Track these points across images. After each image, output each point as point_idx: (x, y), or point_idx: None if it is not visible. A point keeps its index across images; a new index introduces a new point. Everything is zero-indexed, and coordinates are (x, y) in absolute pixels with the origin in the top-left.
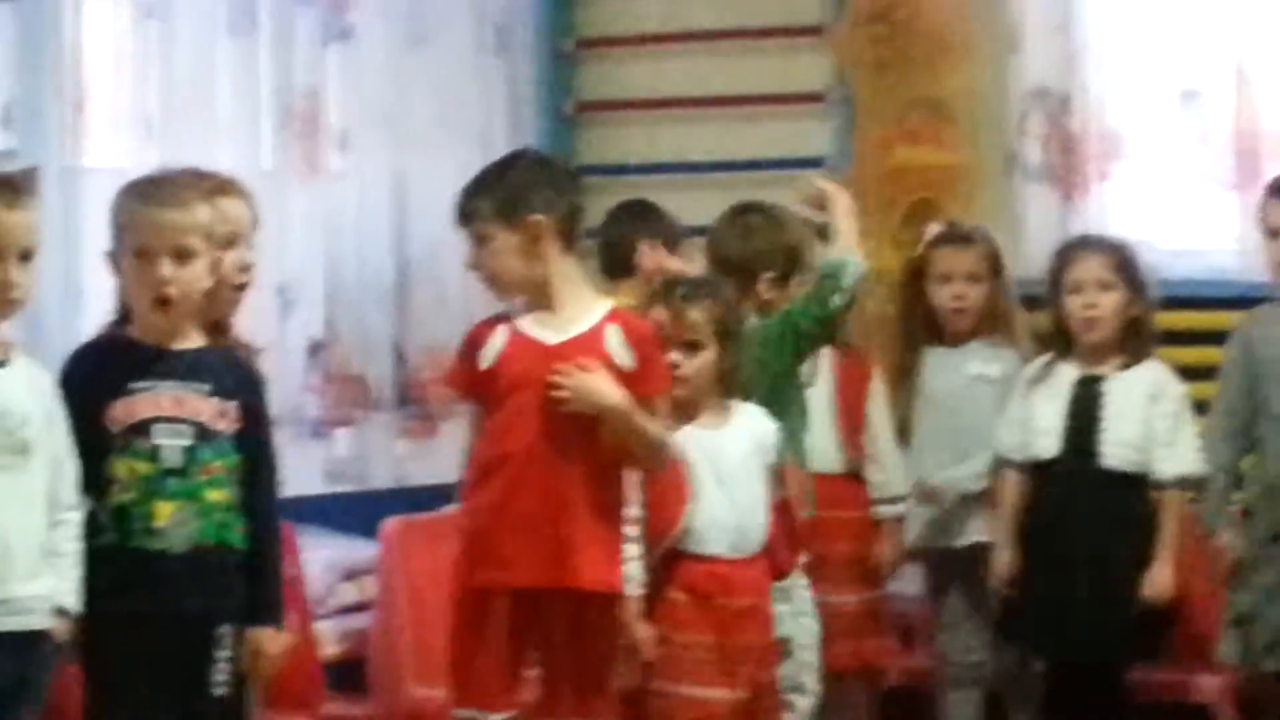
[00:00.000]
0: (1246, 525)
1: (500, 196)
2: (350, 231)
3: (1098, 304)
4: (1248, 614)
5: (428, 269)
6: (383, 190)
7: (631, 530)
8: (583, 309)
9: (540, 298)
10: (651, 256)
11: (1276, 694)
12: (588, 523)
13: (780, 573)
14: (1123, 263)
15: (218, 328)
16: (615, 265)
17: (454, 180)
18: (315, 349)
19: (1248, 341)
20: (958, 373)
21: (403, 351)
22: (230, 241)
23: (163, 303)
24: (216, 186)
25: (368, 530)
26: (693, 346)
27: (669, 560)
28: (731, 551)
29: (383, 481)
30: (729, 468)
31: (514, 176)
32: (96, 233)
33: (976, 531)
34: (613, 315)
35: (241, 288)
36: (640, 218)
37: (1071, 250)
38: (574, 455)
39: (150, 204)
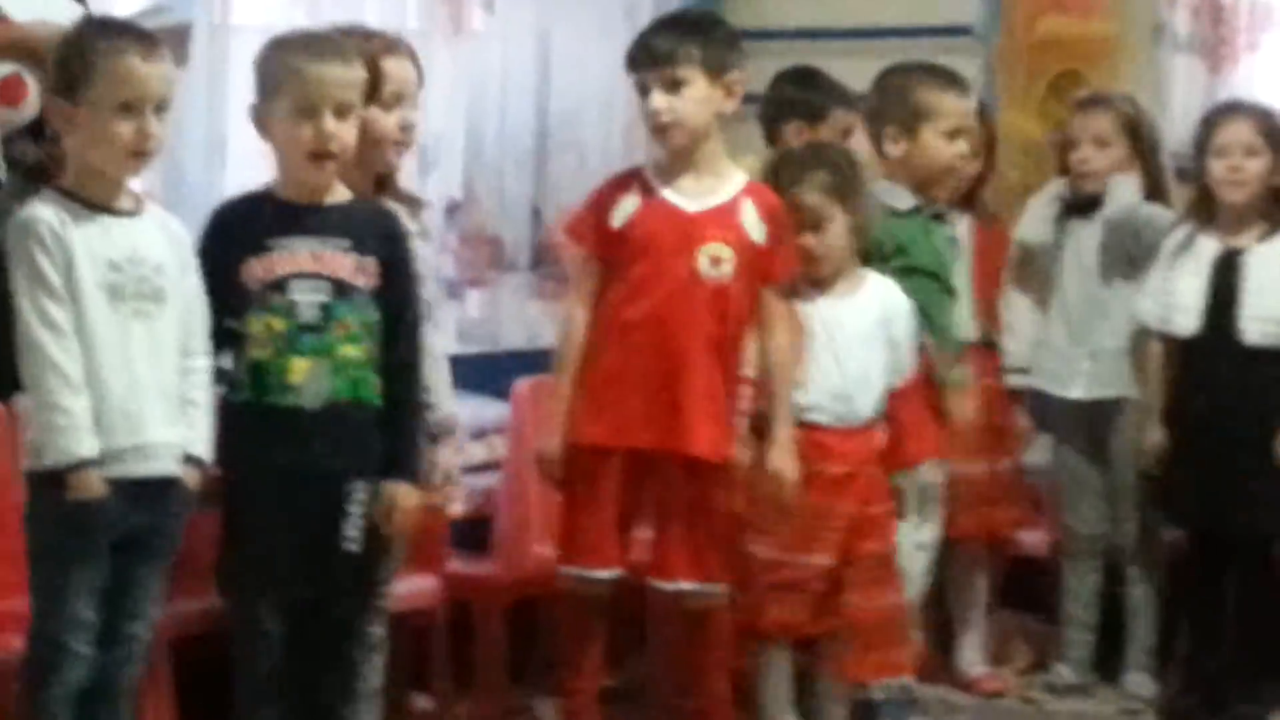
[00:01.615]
0: None
1: (712, 47)
2: (492, 92)
3: (1242, 168)
4: None
5: (568, 131)
6: (526, 51)
7: (748, 391)
8: (721, 179)
9: (692, 157)
10: (795, 141)
11: None
12: (706, 391)
13: (908, 463)
14: (1271, 129)
15: (382, 183)
16: (769, 134)
17: (596, 42)
18: (453, 209)
19: None
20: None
21: (540, 213)
22: (396, 100)
23: (321, 157)
24: (384, 45)
25: (498, 390)
26: (817, 226)
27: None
28: (836, 421)
29: (514, 342)
30: (846, 338)
31: (722, 32)
32: (243, 91)
33: (1097, 385)
34: (749, 189)
35: (402, 146)
36: (798, 88)
37: (1219, 114)
38: (698, 325)
39: (315, 59)
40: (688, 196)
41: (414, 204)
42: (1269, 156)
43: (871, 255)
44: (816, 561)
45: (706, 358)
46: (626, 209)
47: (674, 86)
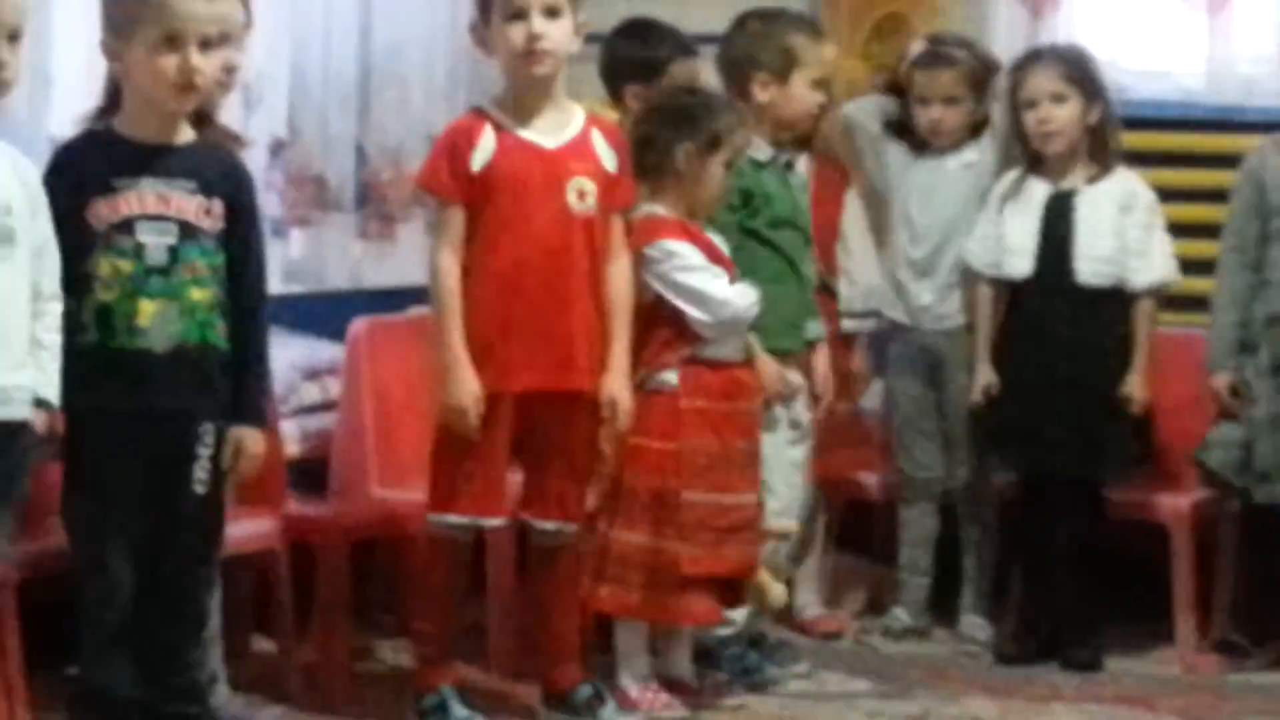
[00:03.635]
0: (1248, 357)
1: None
2: (315, 29)
3: (1052, 118)
4: (1243, 441)
5: (391, 70)
6: None
7: None
8: (567, 113)
9: (547, 91)
10: (634, 104)
11: (1269, 522)
12: (589, 326)
13: None
14: (1074, 72)
15: (201, 119)
16: (611, 92)
17: None
18: (277, 148)
19: (1257, 174)
20: (938, 170)
21: (364, 152)
22: (221, 40)
23: (187, 90)
24: None
25: (324, 330)
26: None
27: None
28: (740, 356)
29: (339, 282)
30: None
31: None
32: (67, 24)
33: (941, 318)
34: (591, 119)
35: (224, 88)
36: (632, 46)
37: (1023, 65)
38: (577, 259)
39: None
40: (543, 133)
41: (236, 142)
42: (1078, 100)
43: (737, 207)
44: (749, 499)
45: (585, 292)
46: (484, 151)
47: (552, 14)
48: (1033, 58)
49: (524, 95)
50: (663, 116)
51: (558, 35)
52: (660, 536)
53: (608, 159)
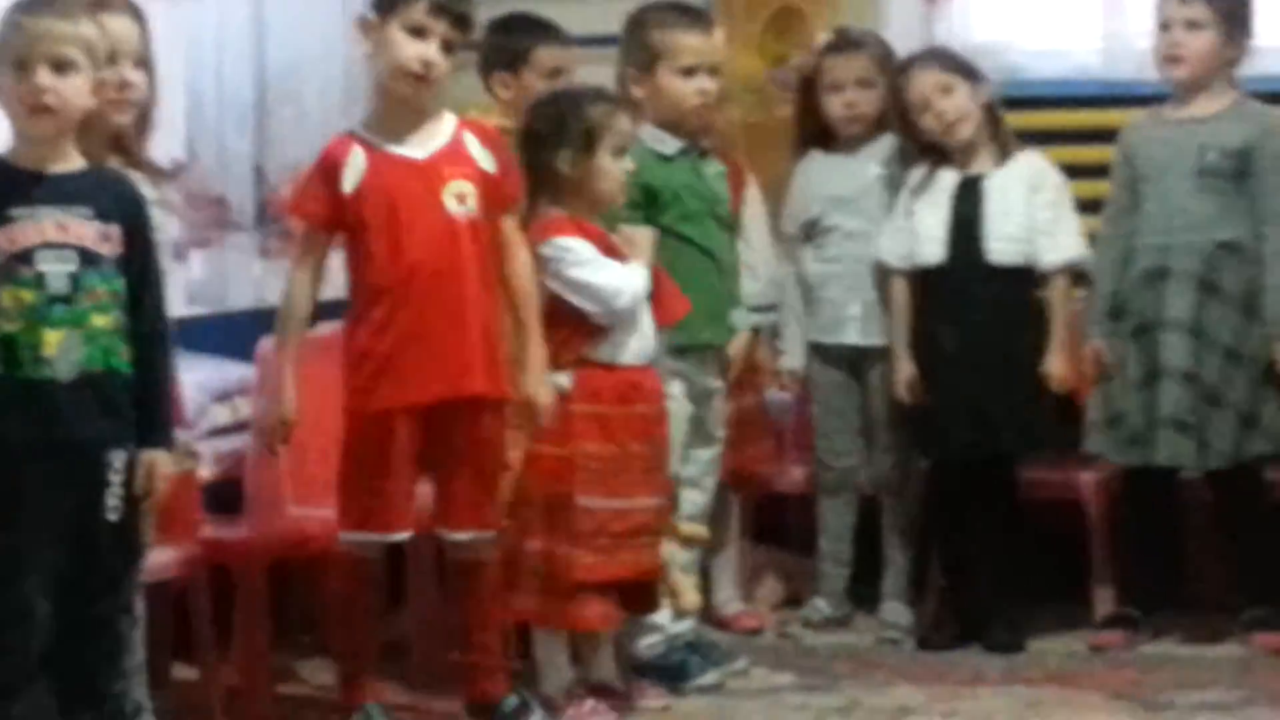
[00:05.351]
0: (1116, 322)
1: (470, 10)
2: (209, 51)
3: (946, 109)
4: (1114, 409)
5: (287, 87)
6: (241, 7)
7: None
8: (438, 122)
9: (422, 105)
10: (503, 92)
11: (1142, 488)
12: (487, 329)
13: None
14: (950, 62)
15: (120, 146)
16: (486, 84)
17: None
18: (176, 170)
19: (1126, 145)
20: (859, 175)
21: (262, 171)
22: (109, 58)
23: (39, 112)
24: (98, 2)
25: (230, 351)
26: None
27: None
28: (641, 360)
29: (242, 302)
30: None
31: None
32: None
33: (867, 333)
34: (463, 124)
35: (120, 104)
36: (497, 35)
37: (903, 73)
38: (465, 263)
39: (29, 14)
40: (411, 145)
41: (155, 172)
42: (964, 86)
43: (641, 204)
44: (648, 504)
45: (478, 294)
46: (355, 171)
47: (450, 49)
48: (907, 64)
49: (396, 110)
50: (534, 133)
51: (446, 66)
52: (555, 542)
53: (484, 160)
